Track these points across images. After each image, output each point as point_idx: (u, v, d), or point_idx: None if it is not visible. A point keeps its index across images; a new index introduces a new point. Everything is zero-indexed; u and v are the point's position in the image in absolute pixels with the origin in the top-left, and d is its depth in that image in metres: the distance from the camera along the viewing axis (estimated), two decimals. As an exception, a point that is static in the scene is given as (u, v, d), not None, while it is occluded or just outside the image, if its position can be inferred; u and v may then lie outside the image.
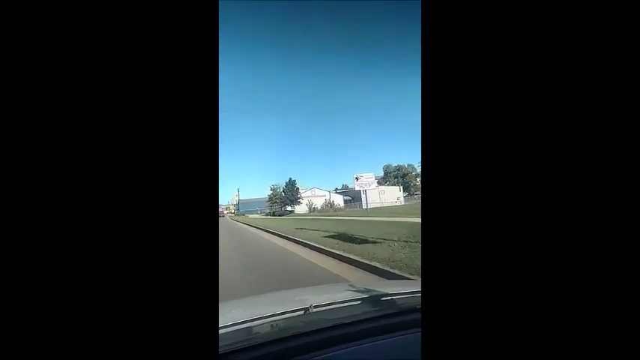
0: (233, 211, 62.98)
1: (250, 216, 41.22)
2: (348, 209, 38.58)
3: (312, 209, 41.84)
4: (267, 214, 43.24)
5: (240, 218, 35.38)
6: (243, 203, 62.97)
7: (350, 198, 44.91)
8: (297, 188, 44.15)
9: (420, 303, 0.94)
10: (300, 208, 42.51)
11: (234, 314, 1.04)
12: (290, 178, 44.26)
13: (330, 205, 42.29)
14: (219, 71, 0.61)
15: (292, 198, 43.33)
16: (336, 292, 1.38)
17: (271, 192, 46.34)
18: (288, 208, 42.74)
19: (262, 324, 0.90)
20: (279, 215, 37.18)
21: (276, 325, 0.89)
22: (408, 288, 1.22)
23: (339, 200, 45.91)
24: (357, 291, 1.20)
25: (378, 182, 35.60)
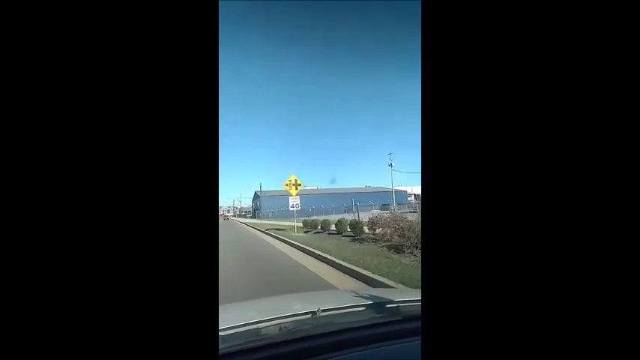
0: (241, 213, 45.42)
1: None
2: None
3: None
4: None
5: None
6: (263, 199, 44.44)
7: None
8: None
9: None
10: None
11: (244, 315, 1.07)
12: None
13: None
14: (220, 70, 0.60)
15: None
16: (342, 298, 1.41)
17: None
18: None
19: (271, 325, 0.92)
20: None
21: (285, 326, 0.91)
22: (414, 296, 1.20)
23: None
24: (364, 297, 1.21)
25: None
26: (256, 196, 53.11)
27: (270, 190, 44.92)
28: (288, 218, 30.12)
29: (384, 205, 20.60)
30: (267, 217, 36.53)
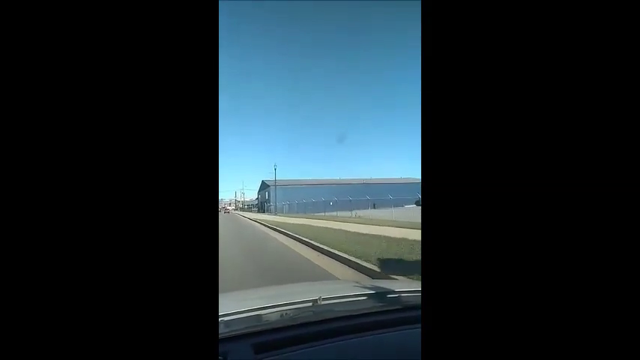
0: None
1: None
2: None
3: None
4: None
5: None
6: (276, 188, 36.36)
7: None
8: None
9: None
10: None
11: (247, 302, 1.09)
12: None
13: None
14: (220, 69, 0.61)
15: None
16: (343, 287, 1.52)
17: None
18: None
19: (273, 312, 0.95)
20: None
21: (286, 313, 0.94)
22: (413, 286, 1.23)
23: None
24: (364, 287, 1.26)
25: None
26: (264, 186, 45.47)
27: (279, 179, 36.83)
28: (311, 212, 21.95)
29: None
30: (281, 212, 28.74)
